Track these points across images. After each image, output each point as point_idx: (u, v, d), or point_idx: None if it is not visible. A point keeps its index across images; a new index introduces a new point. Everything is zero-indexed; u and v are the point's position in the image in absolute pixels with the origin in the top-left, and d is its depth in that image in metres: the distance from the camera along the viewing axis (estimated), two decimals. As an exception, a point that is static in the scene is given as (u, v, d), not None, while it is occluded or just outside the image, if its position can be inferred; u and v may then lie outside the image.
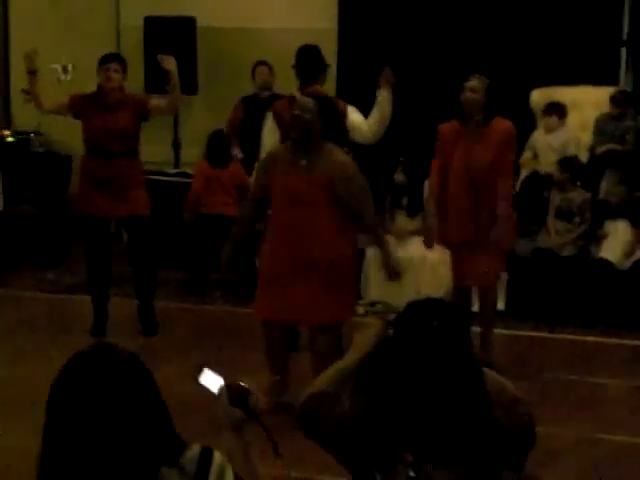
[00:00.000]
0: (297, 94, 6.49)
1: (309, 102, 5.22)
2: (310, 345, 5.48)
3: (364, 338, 2.48)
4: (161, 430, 1.91)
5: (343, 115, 6.20)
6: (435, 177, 6.33)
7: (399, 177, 7.78)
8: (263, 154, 6.50)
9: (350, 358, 2.47)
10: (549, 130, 8.23)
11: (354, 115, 6.34)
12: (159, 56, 6.41)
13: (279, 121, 6.27)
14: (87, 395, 1.85)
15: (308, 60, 6.43)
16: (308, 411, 2.48)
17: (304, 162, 5.13)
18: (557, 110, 8.21)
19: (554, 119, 8.19)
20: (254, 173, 8.20)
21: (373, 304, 7.66)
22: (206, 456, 2.00)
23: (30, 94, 6.83)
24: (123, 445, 1.84)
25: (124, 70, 6.76)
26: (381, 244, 5.59)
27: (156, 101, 6.72)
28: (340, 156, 5.24)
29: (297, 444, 2.77)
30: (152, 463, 1.88)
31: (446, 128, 6.22)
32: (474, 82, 6.07)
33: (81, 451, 1.83)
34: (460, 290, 6.36)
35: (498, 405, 2.73)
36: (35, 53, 6.65)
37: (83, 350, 1.93)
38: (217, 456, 2.02)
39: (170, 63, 6.41)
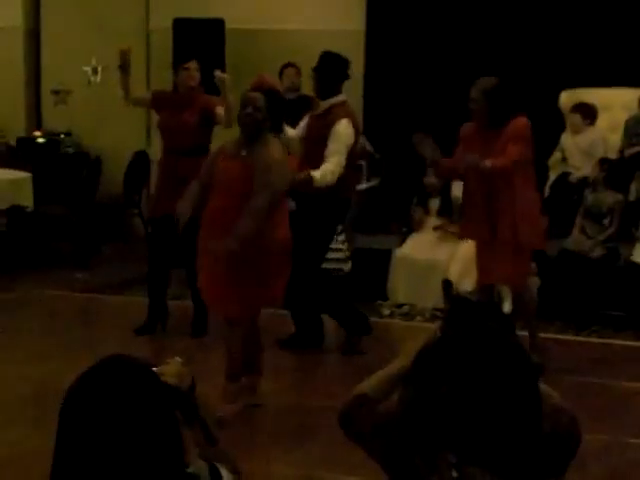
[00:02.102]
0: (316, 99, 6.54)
1: (260, 99, 5.27)
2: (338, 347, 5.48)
3: (414, 345, 2.49)
4: (169, 447, 1.90)
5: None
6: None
7: (430, 180, 7.76)
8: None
9: (397, 364, 2.48)
10: (575, 130, 8.19)
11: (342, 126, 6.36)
12: (216, 73, 6.43)
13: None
14: (98, 408, 1.85)
15: (330, 69, 6.45)
16: (347, 412, 2.49)
17: (244, 152, 5.19)
18: (582, 109, 8.15)
19: (577, 118, 8.14)
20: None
21: (400, 306, 7.65)
22: (215, 475, 2.01)
23: (123, 87, 6.99)
24: (131, 459, 1.84)
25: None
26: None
27: (220, 110, 6.69)
28: (273, 150, 5.24)
29: (326, 446, 2.78)
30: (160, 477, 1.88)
31: (466, 129, 6.22)
32: (472, 91, 5.99)
33: (90, 463, 1.84)
34: (483, 289, 6.33)
35: (547, 413, 2.74)
36: (130, 51, 7.02)
37: (97, 363, 1.92)
38: (225, 474, 2.03)
39: (224, 82, 6.37)
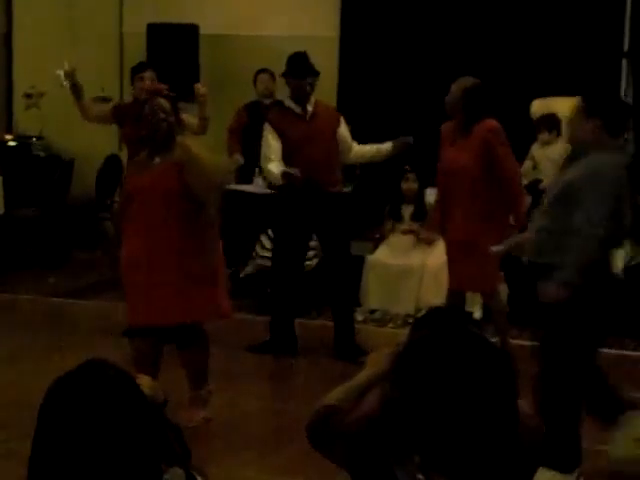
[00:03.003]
0: (288, 101, 6.57)
1: (166, 104, 5.27)
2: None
3: (378, 356, 2.50)
4: (146, 452, 1.90)
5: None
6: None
7: (408, 185, 7.81)
8: (265, 161, 6.56)
9: (362, 375, 2.49)
10: (544, 143, 8.28)
11: (344, 127, 6.51)
12: (195, 86, 6.46)
13: (277, 129, 6.45)
14: (74, 412, 1.85)
15: (299, 66, 6.50)
16: (315, 424, 2.50)
17: (158, 159, 5.16)
18: (545, 125, 8.21)
19: (544, 134, 8.22)
20: (253, 178, 8.32)
21: (373, 311, 7.67)
22: None
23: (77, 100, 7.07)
24: (108, 463, 1.84)
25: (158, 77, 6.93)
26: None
27: (190, 118, 6.69)
28: (186, 140, 5.26)
29: (301, 451, 2.79)
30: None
31: (446, 127, 6.28)
32: (453, 85, 6.14)
33: (67, 467, 1.84)
34: (453, 294, 6.37)
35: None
36: (74, 71, 7.03)
37: (75, 367, 1.93)
38: None
39: (204, 95, 6.41)
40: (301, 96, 6.47)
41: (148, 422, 1.91)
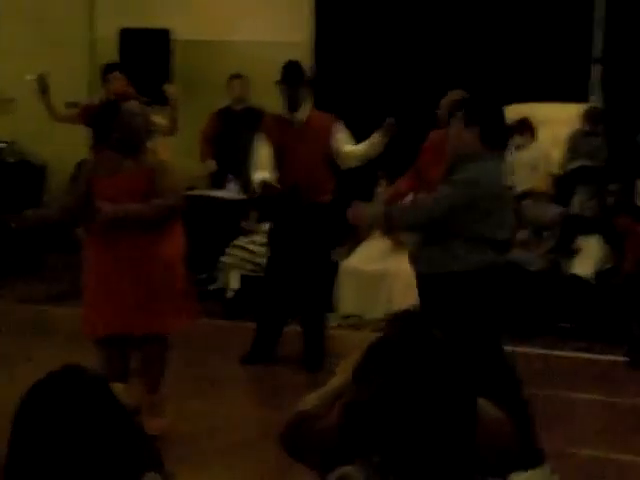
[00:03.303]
0: (284, 112, 6.54)
1: (140, 108, 5.28)
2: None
3: (349, 363, 2.51)
4: (123, 458, 1.90)
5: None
6: (405, 178, 6.44)
7: (381, 190, 7.83)
8: (254, 171, 6.53)
9: (335, 381, 2.50)
10: (517, 148, 8.32)
11: (341, 134, 6.50)
12: (165, 86, 6.47)
13: (269, 137, 6.44)
14: (50, 418, 1.84)
15: (291, 74, 6.48)
16: (289, 430, 2.50)
17: (128, 164, 5.13)
18: (518, 129, 8.26)
19: (516, 138, 8.26)
20: (225, 184, 8.30)
21: (347, 317, 7.68)
22: None
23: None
24: (85, 469, 1.83)
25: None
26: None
27: (158, 119, 6.68)
28: (161, 154, 5.32)
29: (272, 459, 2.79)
30: None
31: (436, 135, 6.31)
32: (443, 99, 6.16)
33: (43, 474, 1.83)
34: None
35: (480, 420, 2.78)
36: (47, 76, 7.38)
37: (51, 372, 1.92)
38: None
39: (174, 92, 6.43)
40: (292, 104, 6.46)
41: (124, 428, 1.91)
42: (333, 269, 7.80)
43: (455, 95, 6.16)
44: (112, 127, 5.20)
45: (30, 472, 1.83)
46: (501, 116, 4.57)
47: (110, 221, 5.00)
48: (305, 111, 6.47)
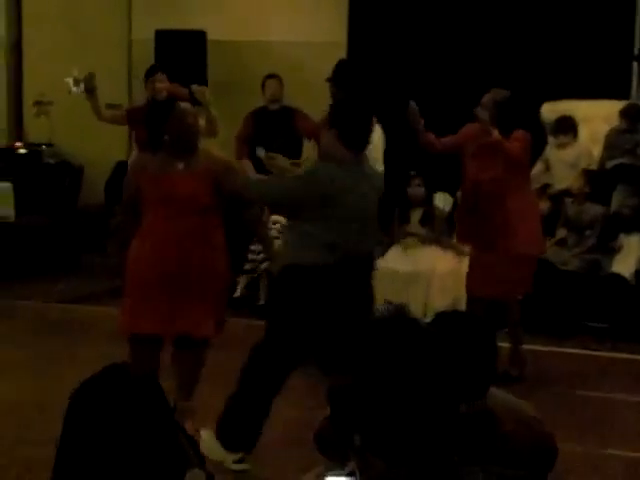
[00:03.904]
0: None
1: (193, 109, 5.26)
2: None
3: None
4: (169, 455, 1.91)
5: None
6: (443, 139, 6.39)
7: (414, 191, 7.80)
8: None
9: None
10: (561, 147, 8.24)
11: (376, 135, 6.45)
12: (193, 87, 6.43)
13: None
14: (100, 415, 1.85)
15: (344, 77, 6.47)
16: (321, 430, 2.49)
17: (181, 165, 5.07)
18: (561, 129, 8.19)
19: (561, 137, 8.19)
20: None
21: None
22: None
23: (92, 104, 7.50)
24: (132, 466, 1.85)
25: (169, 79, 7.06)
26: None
27: (201, 121, 6.71)
28: (215, 152, 5.26)
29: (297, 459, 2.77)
30: None
31: (470, 129, 6.29)
32: (485, 97, 6.13)
33: (91, 470, 1.84)
34: (472, 301, 6.37)
35: (517, 419, 2.76)
36: (94, 76, 7.41)
37: (103, 368, 1.93)
38: None
39: (204, 95, 6.37)
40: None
41: (170, 425, 1.93)
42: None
43: (497, 94, 6.11)
44: (165, 127, 5.19)
45: (78, 468, 1.85)
46: (361, 120, 4.64)
47: (177, 222, 5.00)
48: None
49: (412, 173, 7.80)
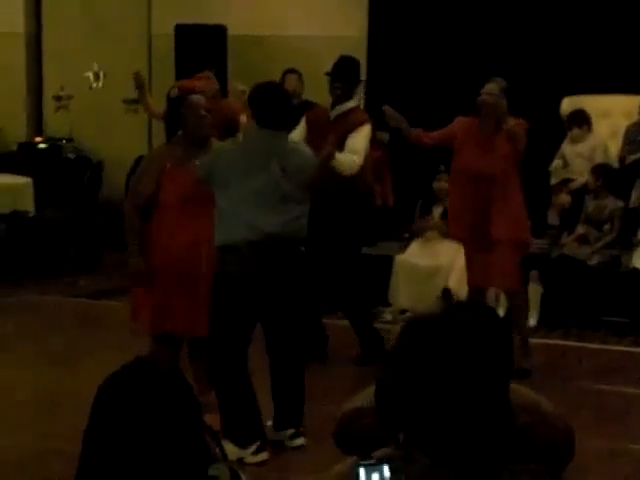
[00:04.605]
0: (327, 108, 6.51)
1: (203, 101, 5.28)
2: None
3: None
4: (193, 448, 1.92)
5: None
6: (432, 133, 6.39)
7: (439, 185, 7.79)
8: None
9: None
10: (575, 140, 8.21)
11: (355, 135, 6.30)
12: (235, 84, 6.47)
13: (310, 127, 6.44)
14: (128, 409, 1.86)
15: (346, 72, 6.44)
16: (341, 427, 2.48)
17: (198, 155, 5.09)
18: (575, 122, 8.15)
19: (574, 130, 8.16)
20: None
21: (402, 312, 7.64)
22: (235, 478, 2.01)
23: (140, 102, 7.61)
24: (157, 458, 1.86)
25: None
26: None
27: (243, 118, 6.75)
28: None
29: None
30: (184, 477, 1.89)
31: (462, 123, 6.32)
32: (491, 85, 6.13)
33: (117, 462, 1.85)
34: (475, 291, 6.39)
35: (534, 413, 2.75)
36: (140, 73, 7.47)
37: (135, 359, 1.94)
38: (245, 478, 2.04)
39: (244, 93, 6.42)
40: (333, 98, 6.47)
41: (196, 419, 1.93)
42: (387, 263, 7.78)
43: (501, 82, 6.14)
44: (178, 122, 5.22)
45: (105, 461, 1.85)
46: (274, 102, 4.90)
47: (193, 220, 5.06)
48: (344, 107, 6.39)
49: (442, 168, 7.76)
